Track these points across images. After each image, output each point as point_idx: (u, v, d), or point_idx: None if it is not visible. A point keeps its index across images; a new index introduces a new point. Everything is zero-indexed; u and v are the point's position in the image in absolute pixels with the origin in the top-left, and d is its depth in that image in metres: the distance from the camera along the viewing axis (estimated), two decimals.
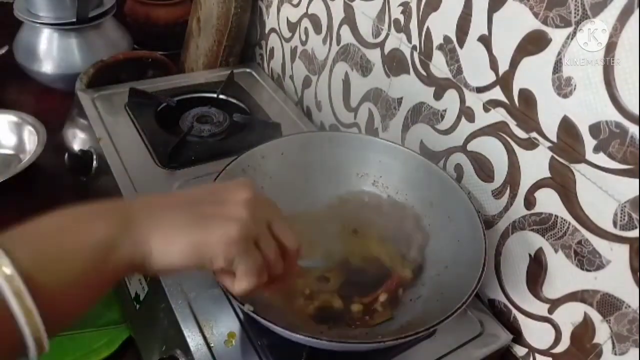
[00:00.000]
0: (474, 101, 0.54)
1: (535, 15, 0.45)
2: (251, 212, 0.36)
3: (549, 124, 0.46)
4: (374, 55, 0.67)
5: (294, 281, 0.42)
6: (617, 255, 0.43)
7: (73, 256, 0.30)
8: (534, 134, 0.48)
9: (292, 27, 0.84)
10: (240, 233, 0.34)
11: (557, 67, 0.44)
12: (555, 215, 0.47)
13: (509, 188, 0.52)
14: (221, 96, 0.82)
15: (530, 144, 0.48)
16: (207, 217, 0.35)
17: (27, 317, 0.27)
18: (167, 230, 0.34)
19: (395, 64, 0.64)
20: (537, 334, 0.52)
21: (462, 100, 0.55)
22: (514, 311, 0.54)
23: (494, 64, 0.50)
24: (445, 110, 0.58)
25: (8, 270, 0.27)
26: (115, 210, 0.34)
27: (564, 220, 0.46)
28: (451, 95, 0.56)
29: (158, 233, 0.33)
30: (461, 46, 0.53)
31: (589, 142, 0.43)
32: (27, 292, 0.27)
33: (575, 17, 0.42)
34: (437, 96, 0.58)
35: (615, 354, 0.44)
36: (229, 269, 0.36)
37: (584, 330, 0.47)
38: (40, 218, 0.31)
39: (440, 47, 0.56)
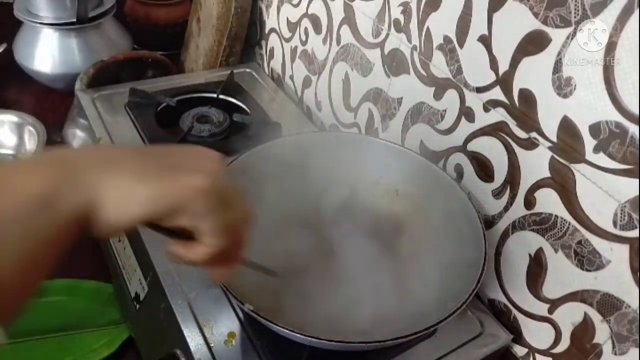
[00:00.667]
0: (474, 101, 0.54)
1: (535, 15, 0.45)
2: (221, 167, 0.31)
3: (549, 124, 0.46)
4: (374, 55, 0.67)
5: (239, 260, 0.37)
6: (617, 255, 0.43)
7: (8, 217, 0.25)
8: (534, 134, 0.48)
9: (292, 27, 0.84)
10: (212, 184, 0.30)
11: (557, 67, 0.44)
12: (555, 215, 0.47)
13: (509, 188, 0.52)
14: (221, 96, 0.82)
15: (530, 144, 0.48)
16: (174, 166, 0.30)
17: None
18: (124, 178, 0.28)
19: (395, 64, 0.64)
20: (537, 334, 0.52)
21: (462, 100, 0.55)
22: (514, 311, 0.54)
23: (494, 64, 0.50)
24: (445, 110, 0.58)
25: None
26: (54, 160, 0.28)
27: (564, 220, 0.46)
28: (451, 95, 0.56)
29: (111, 181, 0.28)
30: (461, 46, 0.53)
31: (589, 142, 0.43)
32: None
33: (575, 17, 0.42)
34: (437, 96, 0.58)
35: (615, 354, 0.44)
36: (191, 229, 0.31)
37: (584, 330, 0.47)
38: None
39: (440, 47, 0.56)
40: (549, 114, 0.46)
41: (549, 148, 0.46)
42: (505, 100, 0.50)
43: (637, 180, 0.40)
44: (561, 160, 0.46)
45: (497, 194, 0.53)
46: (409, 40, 0.60)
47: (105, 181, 0.28)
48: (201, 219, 0.30)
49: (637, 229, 0.41)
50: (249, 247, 0.36)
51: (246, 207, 0.33)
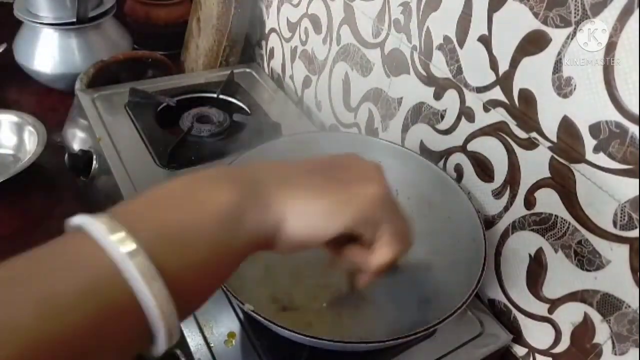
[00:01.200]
0: (474, 101, 0.54)
1: (535, 15, 0.45)
2: (384, 176, 0.32)
3: (549, 124, 0.46)
4: (374, 55, 0.67)
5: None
6: (617, 255, 0.43)
7: (198, 233, 0.25)
8: (534, 134, 0.48)
9: (292, 27, 0.84)
10: (386, 192, 0.31)
11: (557, 67, 0.44)
12: (555, 215, 0.47)
13: (509, 188, 0.52)
14: (221, 96, 0.82)
15: (530, 144, 0.48)
16: (344, 179, 0.31)
17: (157, 300, 0.22)
18: (301, 194, 0.29)
19: (395, 64, 0.64)
20: (537, 334, 0.52)
21: (462, 100, 0.55)
22: (514, 311, 0.54)
23: (494, 64, 0.50)
24: (445, 110, 0.58)
25: (131, 245, 0.22)
26: (237, 174, 0.29)
27: (564, 220, 0.46)
28: (451, 95, 0.56)
29: (290, 197, 0.28)
30: (461, 46, 0.53)
31: (589, 142, 0.43)
32: (155, 270, 0.22)
33: (575, 17, 0.42)
34: (437, 96, 0.58)
35: (615, 354, 0.44)
36: (369, 237, 0.32)
37: (584, 330, 0.47)
38: (148, 192, 0.26)
39: (440, 47, 0.56)
40: (549, 114, 0.46)
41: (549, 148, 0.47)
42: (505, 100, 0.50)
43: (637, 180, 0.40)
44: (561, 160, 0.46)
45: (497, 194, 0.53)
46: (409, 40, 0.60)
47: (284, 199, 0.28)
48: (378, 228, 0.31)
49: (637, 229, 0.41)
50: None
51: (406, 214, 0.34)
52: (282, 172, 0.30)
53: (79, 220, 0.24)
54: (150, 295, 0.22)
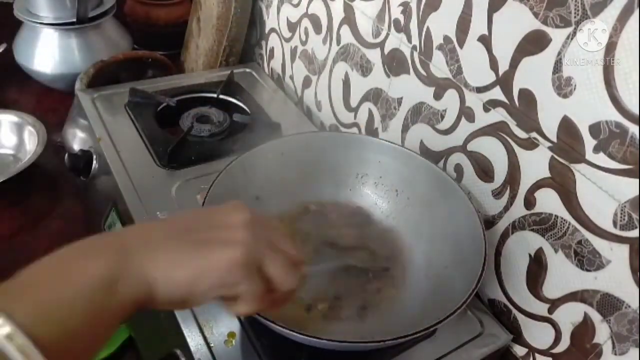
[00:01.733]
0: (474, 101, 0.54)
1: (535, 15, 0.45)
2: (252, 233, 0.34)
3: (549, 124, 0.46)
4: (374, 55, 0.67)
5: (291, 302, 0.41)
6: (617, 255, 0.43)
7: (73, 302, 0.28)
8: (534, 134, 0.48)
9: (292, 27, 0.84)
10: (244, 256, 0.33)
11: (557, 67, 0.44)
12: (555, 215, 0.47)
13: (509, 188, 0.52)
14: (221, 96, 0.82)
15: (530, 144, 0.48)
16: (207, 242, 0.33)
17: None
18: (166, 262, 0.32)
19: (395, 64, 0.64)
20: (537, 334, 0.52)
21: (462, 100, 0.55)
22: (514, 311, 0.54)
23: (494, 64, 0.50)
24: (445, 110, 0.58)
25: (7, 328, 0.25)
26: (108, 245, 0.32)
27: (564, 220, 0.46)
28: (451, 95, 0.56)
29: (159, 263, 0.31)
30: (461, 46, 0.53)
31: (589, 142, 0.43)
32: (34, 347, 0.25)
33: (575, 17, 0.42)
34: (437, 96, 0.58)
35: (615, 354, 0.44)
36: (232, 295, 0.34)
37: (584, 330, 0.47)
38: (30, 266, 0.29)
39: (440, 47, 0.56)
40: (549, 114, 0.46)
41: (549, 148, 0.47)
42: (505, 100, 0.50)
43: (637, 180, 0.40)
44: (561, 160, 0.46)
45: (497, 194, 0.53)
46: (409, 40, 0.60)
47: (155, 266, 0.31)
48: (237, 287, 0.33)
49: (637, 229, 0.41)
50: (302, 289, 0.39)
51: (289, 256, 0.36)
52: (147, 238, 0.33)
53: None
54: None
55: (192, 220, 0.35)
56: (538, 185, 0.48)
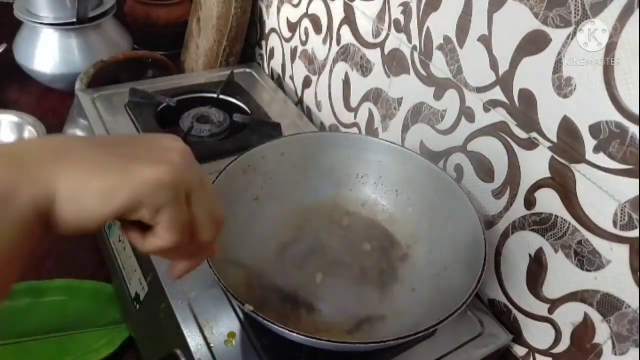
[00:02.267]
0: (474, 101, 0.54)
1: (535, 15, 0.45)
2: (185, 160, 0.30)
3: (549, 124, 0.46)
4: (374, 55, 0.67)
5: (206, 257, 0.36)
6: (617, 255, 0.43)
7: None
8: (534, 134, 0.48)
9: (292, 27, 0.84)
10: (172, 177, 0.28)
11: (557, 67, 0.44)
12: (555, 215, 0.47)
13: (509, 188, 0.52)
14: (221, 96, 0.82)
15: (530, 144, 0.48)
16: (131, 157, 0.28)
17: None
18: (78, 171, 0.27)
19: (395, 64, 0.64)
20: (537, 334, 0.52)
21: (462, 100, 0.55)
22: (514, 311, 0.54)
23: (494, 64, 0.50)
24: (445, 110, 0.58)
25: None
26: (4, 153, 0.27)
27: (564, 220, 0.46)
28: (451, 95, 0.56)
29: (66, 173, 0.26)
30: (461, 46, 0.53)
31: (589, 142, 0.43)
32: None
33: (575, 17, 0.42)
34: (437, 96, 0.58)
35: (615, 354, 0.44)
36: (148, 221, 0.29)
37: (584, 330, 0.47)
38: None
39: (440, 47, 0.56)
40: (549, 114, 0.46)
41: (549, 148, 0.46)
42: (505, 100, 0.50)
43: (637, 180, 0.40)
44: (561, 160, 0.46)
45: (497, 194, 0.53)
46: (409, 40, 0.60)
47: (57, 174, 0.26)
48: (157, 213, 0.28)
49: (637, 229, 0.41)
50: (221, 246, 0.35)
51: (214, 207, 0.32)
52: (59, 146, 0.28)
53: None
54: None
55: (120, 138, 0.31)
56: (538, 185, 0.48)
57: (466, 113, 0.55)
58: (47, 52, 0.92)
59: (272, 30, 0.91)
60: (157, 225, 0.29)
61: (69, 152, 0.27)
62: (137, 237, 0.30)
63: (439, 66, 0.57)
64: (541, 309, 0.50)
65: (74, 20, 0.90)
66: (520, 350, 0.54)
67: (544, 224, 0.49)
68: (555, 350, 0.50)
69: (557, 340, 0.50)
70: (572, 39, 0.42)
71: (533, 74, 0.46)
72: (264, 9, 0.93)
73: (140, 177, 0.27)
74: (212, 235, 0.32)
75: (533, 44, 0.46)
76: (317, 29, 0.78)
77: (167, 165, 0.28)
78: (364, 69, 0.69)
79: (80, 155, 0.27)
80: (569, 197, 0.46)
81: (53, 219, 0.26)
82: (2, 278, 0.25)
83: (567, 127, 0.44)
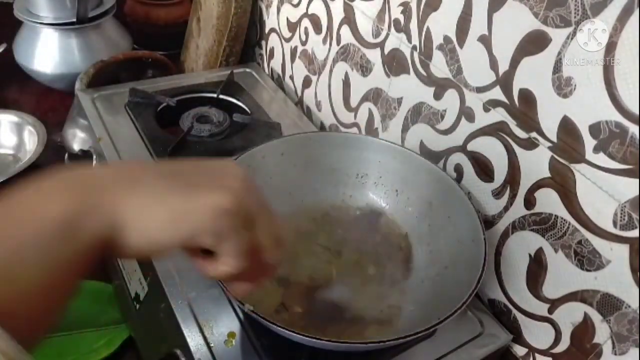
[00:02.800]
0: (474, 101, 0.54)
1: (535, 15, 0.45)
2: (245, 186, 0.30)
3: (549, 124, 0.46)
4: (374, 55, 0.67)
5: (269, 279, 0.38)
6: (617, 255, 0.43)
7: (25, 255, 0.24)
8: (534, 134, 0.48)
9: (292, 27, 0.84)
10: (233, 203, 0.29)
11: (557, 67, 0.44)
12: (555, 215, 0.47)
13: (509, 188, 0.52)
14: (221, 96, 0.82)
15: (530, 144, 0.48)
16: (193, 185, 0.29)
17: None
18: (143, 199, 0.27)
19: (395, 64, 0.64)
20: (537, 334, 0.52)
21: (462, 100, 0.55)
22: (514, 311, 0.54)
23: (494, 64, 0.50)
24: (445, 110, 0.58)
25: None
26: (75, 180, 0.27)
27: (564, 220, 0.46)
28: (451, 95, 0.56)
29: (132, 202, 0.27)
30: (461, 46, 0.53)
31: (589, 142, 0.43)
32: None
33: (575, 17, 0.42)
34: (437, 96, 0.58)
35: (615, 354, 0.44)
36: (212, 248, 0.30)
37: (584, 330, 0.47)
38: None
39: (440, 47, 0.56)
40: (549, 114, 0.46)
41: (549, 148, 0.46)
42: (505, 100, 0.50)
43: (637, 180, 0.40)
44: (561, 160, 0.46)
45: (497, 194, 0.53)
46: (409, 40, 0.60)
47: (125, 204, 0.27)
48: (221, 240, 0.29)
49: (637, 229, 0.41)
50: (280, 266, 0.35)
51: (276, 229, 0.33)
52: (127, 175, 0.29)
53: None
54: None
55: (182, 165, 0.31)
56: (538, 185, 0.48)
57: (466, 113, 0.55)
58: (47, 52, 0.92)
59: (272, 30, 0.91)
60: (222, 252, 0.30)
61: (136, 182, 0.28)
62: (203, 265, 0.31)
63: (439, 66, 0.57)
64: (541, 309, 0.50)
65: (74, 20, 0.90)
66: (520, 350, 0.54)
67: (544, 224, 0.49)
68: (555, 350, 0.50)
69: (557, 340, 0.50)
70: (572, 39, 0.42)
71: (533, 74, 0.46)
72: (264, 9, 0.93)
73: (202, 205, 0.28)
74: (275, 258, 0.33)
75: (533, 44, 0.46)
76: (317, 29, 0.78)
77: (227, 191, 0.29)
78: (364, 69, 0.69)
79: (146, 185, 0.28)
80: (569, 197, 0.46)
81: (118, 245, 0.27)
82: (53, 302, 0.26)
83: (567, 127, 0.44)
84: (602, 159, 0.42)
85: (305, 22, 0.80)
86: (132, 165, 0.30)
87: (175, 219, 0.28)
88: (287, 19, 0.85)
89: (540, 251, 0.49)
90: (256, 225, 0.31)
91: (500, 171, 0.52)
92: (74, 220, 0.25)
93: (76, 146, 0.76)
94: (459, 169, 0.58)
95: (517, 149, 0.50)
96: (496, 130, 0.52)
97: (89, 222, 0.26)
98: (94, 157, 0.70)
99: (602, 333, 0.45)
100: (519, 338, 0.54)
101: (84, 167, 0.29)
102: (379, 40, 0.65)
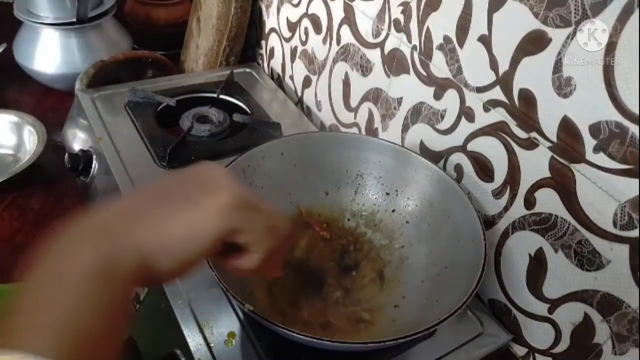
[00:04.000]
0: (474, 101, 0.54)
1: (535, 15, 0.45)
2: (233, 181, 0.32)
3: (549, 124, 0.46)
4: (374, 55, 0.67)
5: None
6: (617, 255, 0.43)
7: (77, 307, 0.26)
8: (534, 134, 0.48)
9: (292, 27, 0.84)
10: (234, 197, 0.31)
11: (557, 67, 0.44)
12: (555, 215, 0.47)
13: (509, 188, 0.52)
14: (221, 96, 0.82)
15: (530, 144, 0.48)
16: (189, 198, 0.31)
17: None
18: (157, 224, 0.30)
19: (395, 64, 0.64)
20: (537, 334, 0.52)
21: (462, 100, 0.55)
22: (514, 311, 0.54)
23: (494, 64, 0.50)
24: (445, 110, 0.58)
25: None
26: (90, 232, 0.29)
27: (564, 220, 0.46)
28: (451, 95, 0.56)
29: (147, 234, 0.29)
30: (461, 46, 0.53)
31: (589, 142, 0.43)
32: None
33: (575, 17, 0.42)
34: (437, 96, 0.58)
35: (615, 354, 0.44)
36: (240, 243, 0.32)
37: (584, 330, 0.47)
38: (21, 289, 0.27)
39: (440, 47, 0.56)
40: (549, 114, 0.46)
41: (549, 148, 0.46)
42: (505, 100, 0.50)
43: (637, 180, 0.40)
44: (561, 160, 0.46)
45: (497, 194, 0.53)
46: (409, 40, 0.60)
47: (142, 236, 0.29)
48: (243, 231, 0.31)
49: (637, 229, 0.41)
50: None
51: (276, 208, 0.35)
52: (127, 212, 0.31)
53: None
54: None
55: (168, 185, 0.33)
56: (538, 185, 0.48)
57: (466, 113, 0.55)
58: (47, 52, 0.92)
59: (272, 30, 0.91)
60: (249, 243, 0.32)
61: (140, 215, 0.30)
62: (238, 263, 0.34)
63: (439, 66, 0.57)
64: (541, 308, 0.50)
65: (74, 20, 0.90)
66: (520, 350, 0.54)
67: (544, 224, 0.49)
68: (555, 350, 0.50)
69: (557, 340, 0.50)
70: (572, 39, 0.42)
71: (533, 73, 0.46)
72: (264, 9, 0.93)
73: (207, 211, 0.30)
74: (289, 225, 0.35)
75: (533, 44, 0.46)
76: (317, 29, 0.78)
77: (223, 191, 0.31)
78: (364, 69, 0.69)
79: (151, 214, 0.30)
80: (569, 197, 0.46)
81: (154, 272, 0.29)
82: (112, 338, 0.28)
83: (567, 127, 0.44)
84: (602, 159, 0.42)
85: (305, 22, 0.80)
86: (127, 203, 0.32)
87: (191, 231, 0.30)
88: (287, 18, 0.85)
89: (540, 251, 0.49)
90: (262, 210, 0.33)
91: (500, 171, 0.52)
92: (106, 267, 0.27)
93: (76, 146, 0.76)
94: (459, 169, 0.58)
95: (517, 149, 0.50)
96: (496, 130, 0.52)
97: (121, 259, 0.28)
98: (94, 157, 0.70)
99: (602, 333, 0.45)
100: (519, 338, 0.54)
101: (90, 215, 0.30)
102: (379, 40, 0.65)
